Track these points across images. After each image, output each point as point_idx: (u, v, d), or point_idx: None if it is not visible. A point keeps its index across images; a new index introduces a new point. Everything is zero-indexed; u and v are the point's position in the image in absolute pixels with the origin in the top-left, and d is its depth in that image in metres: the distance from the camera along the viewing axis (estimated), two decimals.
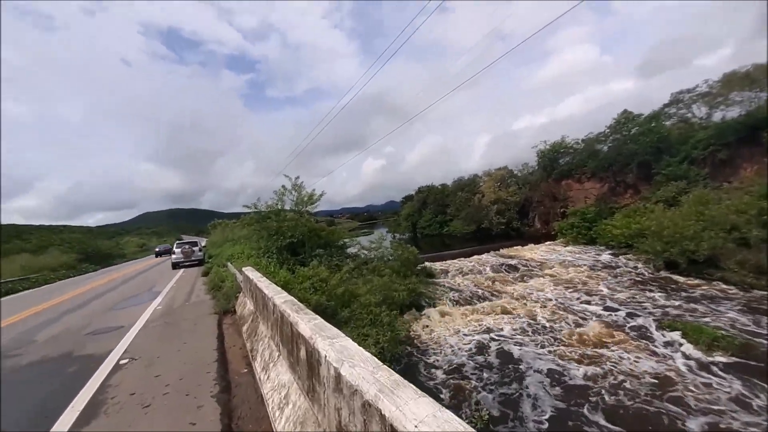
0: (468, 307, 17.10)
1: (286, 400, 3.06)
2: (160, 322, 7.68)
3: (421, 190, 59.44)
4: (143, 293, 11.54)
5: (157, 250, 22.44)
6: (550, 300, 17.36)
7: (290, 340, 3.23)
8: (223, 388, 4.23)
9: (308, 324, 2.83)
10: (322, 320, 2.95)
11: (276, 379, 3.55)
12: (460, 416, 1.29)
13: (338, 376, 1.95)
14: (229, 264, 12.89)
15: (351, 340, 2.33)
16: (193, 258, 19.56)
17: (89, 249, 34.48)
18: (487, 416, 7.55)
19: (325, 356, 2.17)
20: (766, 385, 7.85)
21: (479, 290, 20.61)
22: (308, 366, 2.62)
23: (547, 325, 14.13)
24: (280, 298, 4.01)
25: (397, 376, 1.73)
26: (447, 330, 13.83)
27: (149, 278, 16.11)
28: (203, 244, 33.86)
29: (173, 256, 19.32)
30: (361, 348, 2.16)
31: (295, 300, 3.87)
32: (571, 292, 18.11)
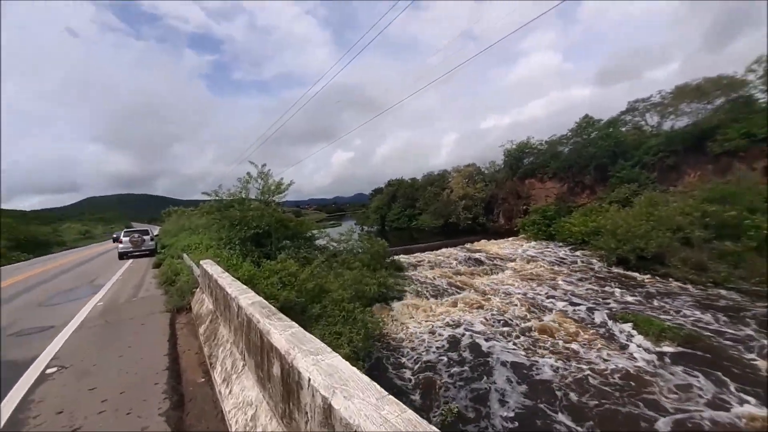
0: (436, 300, 17.23)
1: (253, 423, 2.58)
2: (100, 322, 6.70)
3: (391, 184, 59.34)
4: (83, 287, 10.21)
5: (115, 236, 19.51)
6: (515, 293, 17.94)
7: (259, 350, 2.73)
8: (174, 404, 3.61)
9: (283, 334, 2.35)
10: (300, 329, 2.49)
11: (240, 395, 3.03)
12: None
13: (328, 409, 1.52)
14: (185, 255, 11.79)
15: (340, 358, 1.90)
16: (143, 248, 17.85)
17: (21, 236, 30.64)
18: (456, 410, 7.49)
19: (309, 379, 1.73)
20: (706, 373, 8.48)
21: (447, 283, 20.85)
22: (284, 386, 2.15)
23: (513, 318, 14.55)
24: (246, 299, 3.46)
25: (411, 414, 1.33)
26: (416, 323, 13.77)
27: (91, 269, 14.42)
28: (155, 232, 31.18)
29: (120, 245, 17.50)
30: (355, 369, 1.75)
31: (265, 302, 3.35)
32: (534, 286, 18.81)
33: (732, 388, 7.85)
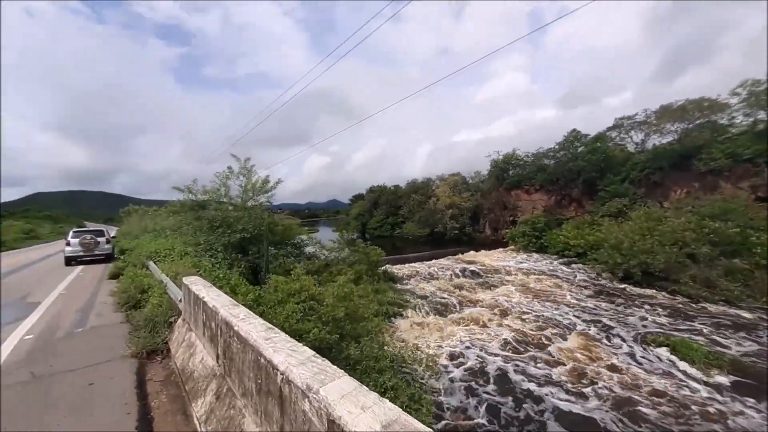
0: (443, 317, 15.64)
1: None
2: (23, 376, 4.34)
3: (372, 190, 57.71)
4: (9, 306, 7.59)
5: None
6: (527, 310, 16.73)
7: None
8: None
9: None
10: None
11: None
12: None
13: None
14: (152, 264, 9.37)
15: None
16: (97, 252, 14.86)
17: None
18: None
19: None
20: None
21: (448, 297, 19.33)
22: None
23: (529, 338, 13.25)
24: (335, 390, 1.61)
25: None
26: (429, 345, 12.08)
27: (27, 279, 11.44)
28: (113, 234, 27.32)
29: (68, 248, 14.42)
30: None
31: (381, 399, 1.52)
32: (541, 302, 17.73)
33: None
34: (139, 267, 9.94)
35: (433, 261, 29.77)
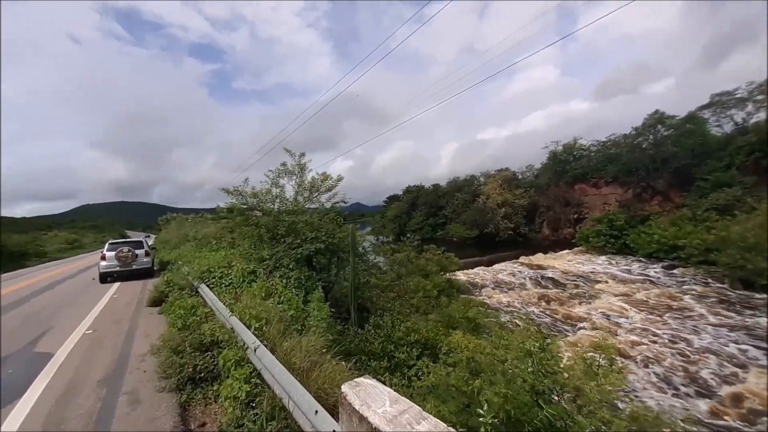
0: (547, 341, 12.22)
1: None
2: None
3: (410, 190, 54.71)
4: (13, 356, 5.18)
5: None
6: (648, 330, 13.04)
7: None
8: None
9: None
10: None
11: None
12: None
13: None
14: (207, 291, 6.68)
15: None
16: (135, 266, 12.72)
17: None
18: None
19: None
20: None
21: (538, 313, 15.89)
22: None
23: (681, 374, 9.76)
24: None
25: None
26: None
27: (53, 305, 9.25)
28: (151, 242, 25.75)
29: (103, 263, 12.35)
30: None
31: None
32: (667, 319, 13.91)
33: None
34: (187, 290, 7.41)
35: (496, 266, 26.23)
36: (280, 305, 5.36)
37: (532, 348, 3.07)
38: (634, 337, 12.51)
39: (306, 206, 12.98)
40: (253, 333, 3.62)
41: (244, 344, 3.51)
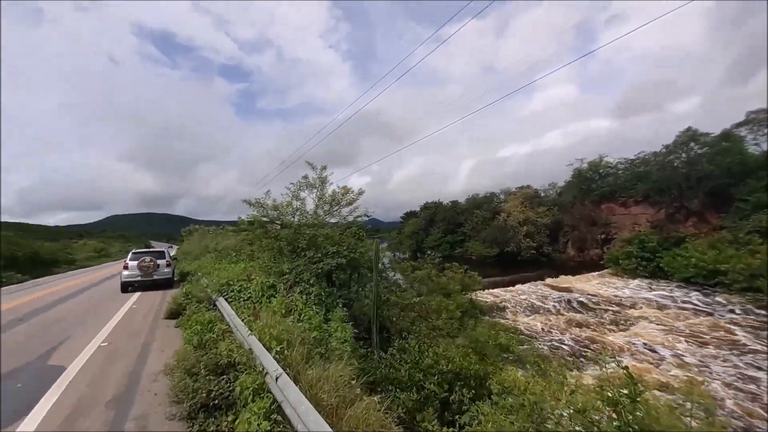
0: (579, 372, 11.23)
1: None
2: None
3: (427, 207, 54.17)
4: (25, 368, 5.01)
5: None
6: (695, 363, 11.87)
7: None
8: None
9: None
10: None
11: None
12: None
13: None
14: (225, 305, 6.42)
15: None
16: (156, 276, 12.76)
17: (20, 252, 26.35)
18: None
19: None
20: None
21: (568, 340, 14.82)
22: None
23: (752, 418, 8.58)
24: None
25: None
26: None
27: (75, 312, 9.25)
28: (173, 253, 26.12)
29: (125, 272, 12.46)
30: None
31: None
32: (714, 351, 12.65)
33: None
34: (204, 304, 7.18)
35: (518, 287, 25.09)
36: (300, 323, 5.01)
37: (617, 396, 2.56)
38: (678, 370, 11.37)
39: (326, 219, 12.80)
40: (273, 357, 3.27)
41: (263, 369, 3.14)
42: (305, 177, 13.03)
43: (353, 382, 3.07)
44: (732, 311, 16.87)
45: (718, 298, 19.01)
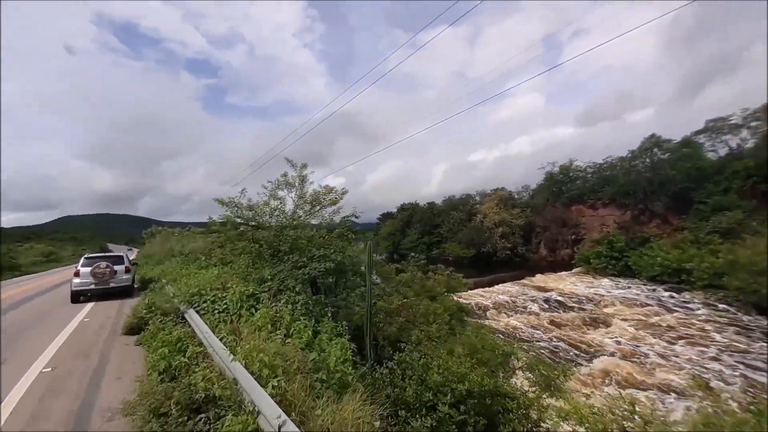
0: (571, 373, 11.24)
1: None
2: None
3: (404, 208, 54.06)
4: None
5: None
6: (675, 361, 12.25)
7: None
8: None
9: None
10: None
11: None
12: None
13: None
14: (197, 319, 5.56)
15: None
16: (112, 284, 11.37)
17: None
18: None
19: None
20: None
21: (549, 338, 14.92)
22: None
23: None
24: None
25: None
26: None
27: (11, 329, 7.93)
28: (132, 257, 23.93)
29: (76, 279, 10.97)
30: None
31: None
32: (689, 348, 13.15)
33: None
34: (172, 317, 6.26)
35: (497, 287, 25.33)
36: (289, 339, 4.33)
37: None
38: (665, 368, 11.64)
39: (307, 220, 12.02)
40: (270, 393, 2.58)
41: (254, 409, 2.47)
42: (284, 175, 12.19)
43: (377, 424, 2.48)
44: (696, 307, 17.80)
45: (683, 295, 20.04)
